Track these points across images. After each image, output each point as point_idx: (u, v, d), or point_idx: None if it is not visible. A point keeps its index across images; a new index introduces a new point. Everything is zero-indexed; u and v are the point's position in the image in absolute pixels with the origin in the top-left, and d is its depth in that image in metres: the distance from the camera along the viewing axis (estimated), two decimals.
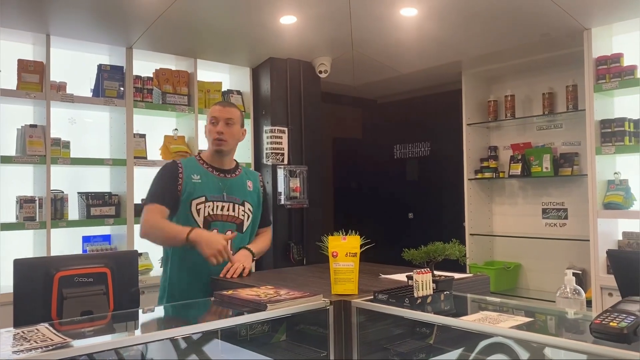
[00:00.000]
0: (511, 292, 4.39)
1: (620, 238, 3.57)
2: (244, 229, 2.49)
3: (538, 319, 1.69)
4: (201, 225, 2.38)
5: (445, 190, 5.15)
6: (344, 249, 1.97)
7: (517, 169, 4.35)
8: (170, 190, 2.38)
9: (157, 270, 3.84)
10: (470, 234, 4.58)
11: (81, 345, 1.37)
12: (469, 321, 1.52)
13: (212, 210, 2.41)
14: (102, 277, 2.05)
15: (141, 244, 3.79)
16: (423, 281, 1.77)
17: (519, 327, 1.43)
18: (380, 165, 5.93)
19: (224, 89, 4.31)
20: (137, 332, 1.79)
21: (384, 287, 1.88)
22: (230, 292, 1.91)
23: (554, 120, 4.37)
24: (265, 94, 4.32)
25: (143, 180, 3.83)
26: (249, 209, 2.50)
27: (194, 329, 1.53)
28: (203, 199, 2.40)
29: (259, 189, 2.59)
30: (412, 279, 1.77)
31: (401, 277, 2.24)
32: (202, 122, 4.10)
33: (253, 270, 2.60)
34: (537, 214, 4.48)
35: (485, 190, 4.76)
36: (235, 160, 2.58)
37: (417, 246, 1.97)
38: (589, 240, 3.61)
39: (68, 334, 1.46)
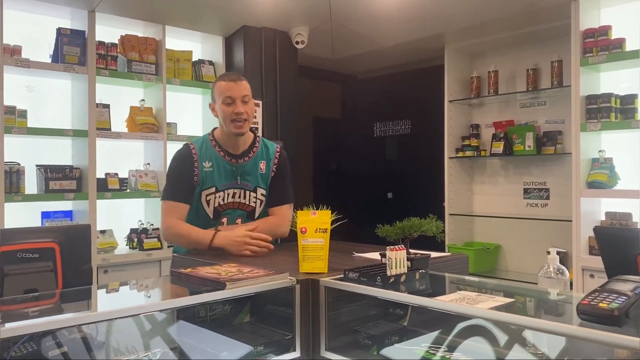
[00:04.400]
0: (490, 273, 4.33)
1: (603, 218, 3.50)
2: (256, 216, 2.37)
3: (519, 299, 1.58)
4: (211, 216, 2.29)
5: (425, 170, 5.05)
6: (314, 224, 1.84)
7: (499, 147, 4.26)
8: (187, 184, 2.27)
9: (121, 249, 3.69)
10: (450, 214, 4.49)
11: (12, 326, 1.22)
12: (445, 301, 1.41)
13: (223, 200, 2.30)
14: (50, 253, 1.89)
15: (106, 220, 3.64)
16: (397, 259, 1.65)
17: (499, 308, 1.32)
18: (359, 143, 5.81)
19: (194, 58, 4.11)
20: (80, 312, 1.63)
21: (356, 266, 1.76)
22: (188, 270, 1.78)
23: (537, 97, 4.27)
24: (238, 65, 4.14)
25: (106, 153, 3.66)
26: (261, 195, 2.37)
27: (140, 310, 1.38)
28: (213, 189, 2.28)
29: (272, 167, 2.40)
30: (386, 257, 1.65)
31: (375, 255, 2.14)
32: (171, 93, 3.93)
33: None
34: (518, 194, 4.40)
35: (465, 169, 4.66)
36: (252, 132, 2.39)
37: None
38: (570, 221, 3.56)
39: (5, 314, 1.31)
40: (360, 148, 5.80)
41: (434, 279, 1.79)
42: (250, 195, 2.34)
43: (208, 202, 2.27)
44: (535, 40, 4.20)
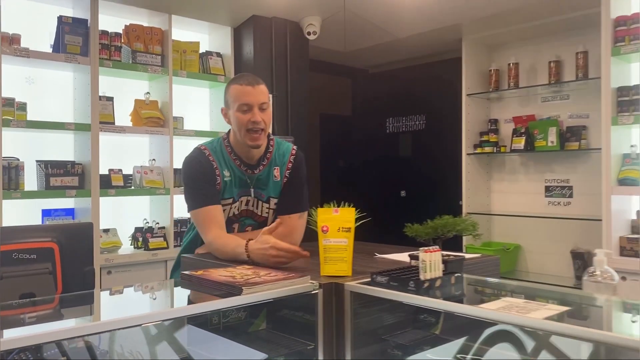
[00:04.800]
0: (510, 274, 4.17)
1: (634, 217, 3.34)
2: (268, 224, 2.18)
3: (571, 307, 1.42)
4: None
5: (440, 167, 4.90)
6: (336, 223, 1.69)
7: (520, 143, 4.10)
8: (213, 188, 2.08)
9: (126, 248, 3.55)
10: (468, 213, 4.33)
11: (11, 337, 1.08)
12: (492, 310, 1.25)
13: (237, 209, 2.14)
14: (48, 254, 1.76)
15: (110, 218, 3.50)
16: (431, 261, 1.50)
17: (555, 317, 1.17)
18: (371, 140, 5.64)
19: (202, 50, 3.97)
20: (82, 320, 1.49)
21: (382, 268, 1.61)
22: (200, 272, 1.64)
23: (560, 90, 4.11)
24: (247, 57, 3.99)
25: (110, 148, 3.52)
26: (274, 204, 2.19)
27: (147, 319, 1.23)
28: (231, 200, 2.11)
29: (285, 173, 2.19)
30: (417, 259, 1.50)
31: (399, 257, 2.00)
32: (178, 86, 3.78)
33: None
34: (539, 192, 4.24)
35: (483, 166, 4.51)
36: (268, 136, 2.19)
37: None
38: (595, 220, 3.41)
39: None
40: (372, 144, 5.63)
41: (469, 282, 1.65)
42: (262, 206, 2.17)
43: (223, 211, 2.11)
44: (558, 30, 4.04)
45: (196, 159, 2.11)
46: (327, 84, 5.58)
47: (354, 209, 1.72)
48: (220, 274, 1.59)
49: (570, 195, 4.07)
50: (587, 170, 3.92)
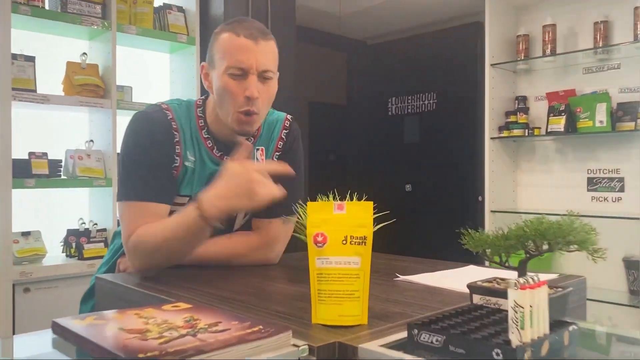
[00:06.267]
0: None
1: None
2: (235, 228, 1.52)
3: None
4: None
5: (454, 155, 4.29)
6: (342, 227, 0.99)
7: (560, 123, 3.41)
8: (165, 171, 1.39)
9: (52, 258, 2.81)
10: (492, 211, 3.63)
11: None
12: None
13: None
14: None
15: (33, 219, 2.77)
16: (535, 306, 0.78)
17: None
18: (370, 124, 4.98)
19: (158, 2, 3.22)
20: None
21: (417, 306, 0.90)
22: (87, 320, 0.92)
23: (608, 58, 3.43)
24: (216, 13, 3.27)
25: (33, 126, 2.78)
26: None
27: None
28: (187, 200, 1.43)
29: (272, 154, 1.54)
30: (492, 295, 0.81)
31: (431, 279, 1.31)
32: (127, 49, 3.05)
33: None
34: (580, 185, 3.57)
35: (509, 153, 3.82)
36: None
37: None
38: None
39: None
40: (371, 130, 4.98)
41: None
42: None
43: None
44: None
45: (150, 118, 1.41)
46: (318, 58, 4.86)
47: (371, 203, 1.00)
48: (125, 324, 0.87)
49: (621, 189, 3.40)
50: None
